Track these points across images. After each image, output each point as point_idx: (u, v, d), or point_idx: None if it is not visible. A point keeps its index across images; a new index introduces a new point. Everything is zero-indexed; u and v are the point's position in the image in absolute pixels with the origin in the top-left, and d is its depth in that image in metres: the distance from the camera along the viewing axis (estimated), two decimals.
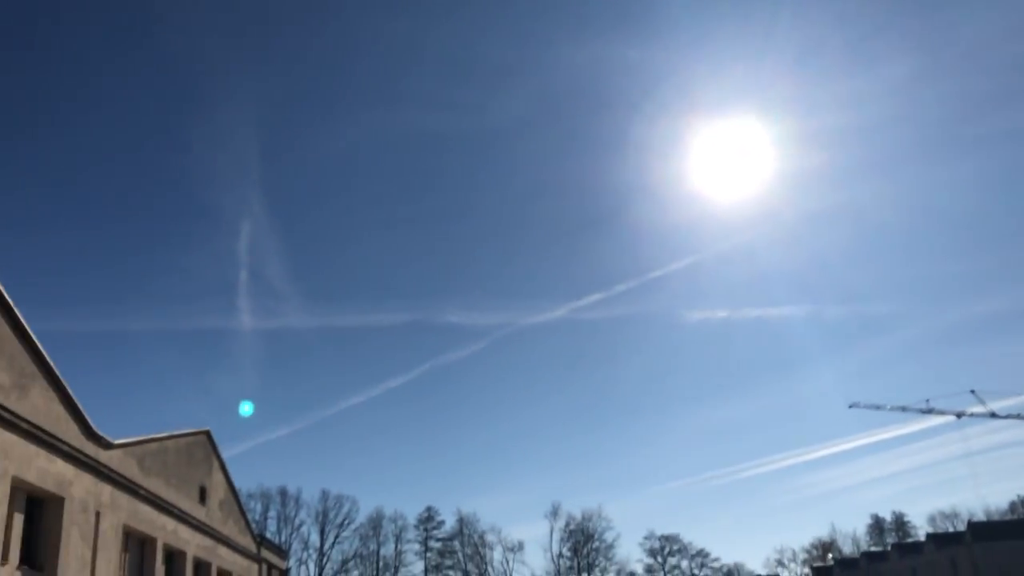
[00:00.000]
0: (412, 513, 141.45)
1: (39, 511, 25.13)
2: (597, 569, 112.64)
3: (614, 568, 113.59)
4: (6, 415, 22.07)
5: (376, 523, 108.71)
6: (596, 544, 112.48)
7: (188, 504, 37.66)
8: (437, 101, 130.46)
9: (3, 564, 22.13)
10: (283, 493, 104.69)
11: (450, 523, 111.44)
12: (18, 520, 23.67)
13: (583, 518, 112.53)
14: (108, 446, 28.88)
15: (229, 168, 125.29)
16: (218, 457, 43.21)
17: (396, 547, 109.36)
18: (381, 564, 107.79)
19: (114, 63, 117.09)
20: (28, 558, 24.22)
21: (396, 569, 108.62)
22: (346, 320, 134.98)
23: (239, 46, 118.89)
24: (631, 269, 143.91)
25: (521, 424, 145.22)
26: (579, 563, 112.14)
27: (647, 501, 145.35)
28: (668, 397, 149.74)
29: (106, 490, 28.69)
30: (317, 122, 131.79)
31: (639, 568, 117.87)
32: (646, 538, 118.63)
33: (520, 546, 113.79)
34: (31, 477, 23.56)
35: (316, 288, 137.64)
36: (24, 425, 23.00)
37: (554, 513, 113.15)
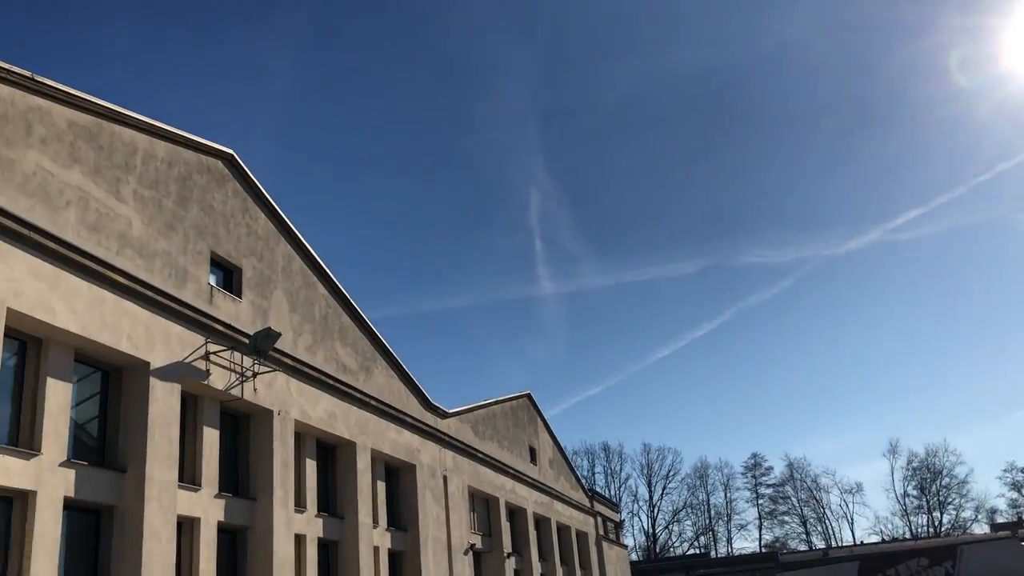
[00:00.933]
0: (737, 461, 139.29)
1: (395, 478, 28.02)
2: (950, 507, 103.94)
3: (971, 505, 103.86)
4: (358, 395, 24.76)
5: (702, 473, 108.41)
6: (946, 481, 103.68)
7: (521, 464, 40.06)
8: (707, 35, 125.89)
9: (375, 527, 24.95)
10: (606, 449, 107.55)
11: (778, 469, 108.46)
12: (381, 487, 26.55)
13: (927, 454, 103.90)
14: (444, 415, 31.46)
15: (512, 143, 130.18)
16: (541, 418, 45.46)
17: (726, 496, 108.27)
18: (712, 513, 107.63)
19: (402, 65, 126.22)
20: (393, 520, 27.12)
21: (729, 517, 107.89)
22: (641, 274, 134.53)
23: (507, 21, 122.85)
24: (951, 176, 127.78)
25: (842, 362, 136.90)
26: (928, 502, 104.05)
27: (1002, 430, 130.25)
28: (1016, 314, 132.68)
29: (448, 455, 31.30)
30: (588, 80, 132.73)
31: (1001, 504, 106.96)
32: (1006, 471, 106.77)
33: (858, 488, 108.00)
34: (386, 448, 26.29)
35: (608, 246, 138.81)
36: (373, 403, 25.68)
37: (892, 451, 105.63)
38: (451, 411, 32.13)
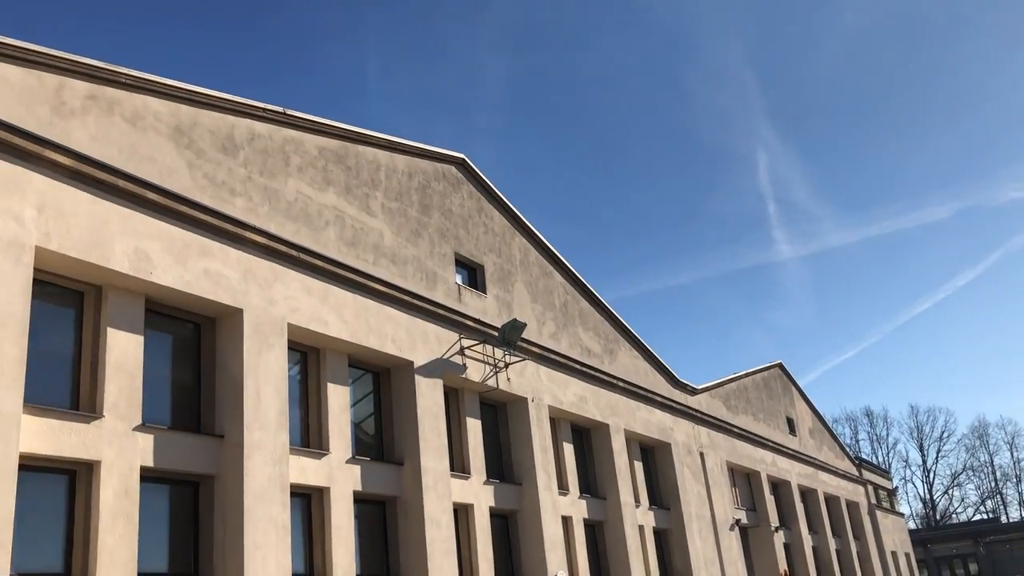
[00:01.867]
0: (1023, 417, 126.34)
1: (651, 458, 28.06)
2: None
3: None
4: (606, 377, 25.04)
5: (981, 432, 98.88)
6: None
7: (779, 436, 38.74)
8: None
9: (637, 506, 25.13)
10: (868, 414, 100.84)
11: None
12: (638, 467, 26.69)
13: None
14: (694, 392, 31.07)
15: (732, 106, 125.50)
16: (796, 387, 43.69)
17: (1012, 455, 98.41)
18: (998, 475, 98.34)
19: (611, 44, 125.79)
20: (654, 499, 27.17)
21: (1019, 479, 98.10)
22: (888, 226, 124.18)
23: None
24: None
25: None
26: None
27: None
28: None
29: (702, 432, 30.88)
30: (806, 28, 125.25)
31: None
32: None
33: None
34: (638, 428, 26.39)
35: (848, 200, 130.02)
36: (620, 384, 25.85)
37: None
38: (700, 387, 31.67)
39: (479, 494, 19.19)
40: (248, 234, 14.38)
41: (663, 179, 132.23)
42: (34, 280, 11.32)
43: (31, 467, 10.96)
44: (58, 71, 12.13)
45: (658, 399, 28.01)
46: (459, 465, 19.12)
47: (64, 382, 12.04)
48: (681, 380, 30.15)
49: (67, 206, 11.76)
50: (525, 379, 21.37)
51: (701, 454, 30.16)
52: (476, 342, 19.68)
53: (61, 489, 11.53)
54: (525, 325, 20.05)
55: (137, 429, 12.24)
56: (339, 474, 15.63)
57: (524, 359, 21.29)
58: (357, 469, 16.11)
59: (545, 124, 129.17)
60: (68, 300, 12.43)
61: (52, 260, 11.64)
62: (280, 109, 15.92)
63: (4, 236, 10.86)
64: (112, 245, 12.19)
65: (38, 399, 11.19)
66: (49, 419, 11.26)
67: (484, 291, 21.11)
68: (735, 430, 33.63)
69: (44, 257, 11.47)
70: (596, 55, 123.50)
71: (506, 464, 21.05)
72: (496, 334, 20.13)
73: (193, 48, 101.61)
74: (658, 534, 26.73)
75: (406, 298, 17.88)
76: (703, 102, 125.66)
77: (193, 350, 14.17)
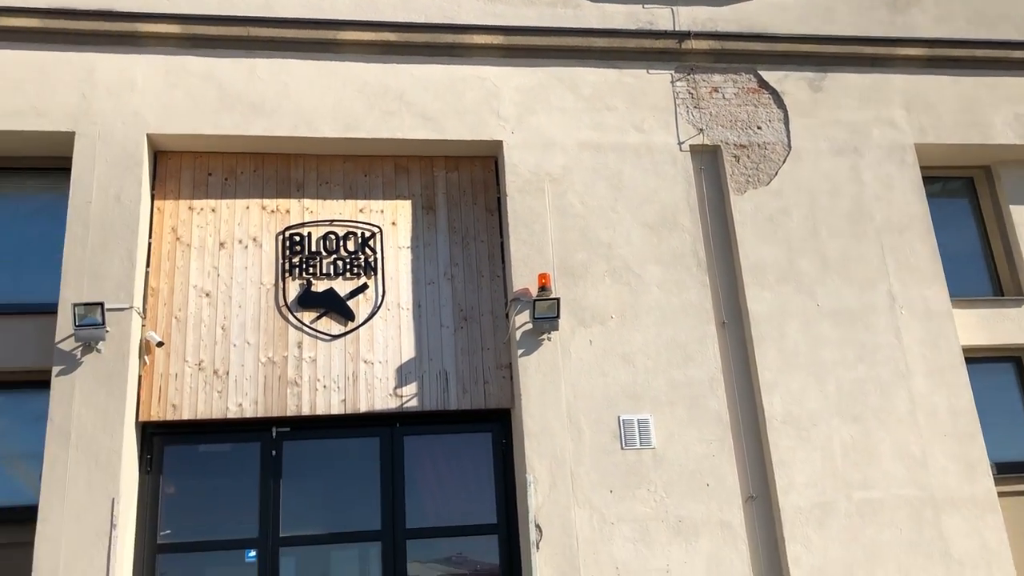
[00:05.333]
0: None
1: None
2: None
3: None
4: None
5: None
6: None
7: None
8: None
9: None
10: None
11: None
12: None
13: None
14: None
15: None
16: None
17: None
18: None
19: None
20: None
21: None
22: None
23: None
24: None
25: None
26: None
27: None
28: None
29: None
30: None
31: None
32: None
33: None
34: None
35: None
36: None
37: None
38: None
39: None
40: None
41: None
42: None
43: (972, 359, 10.76)
44: None
45: None
46: None
47: (977, 271, 11.62)
48: None
49: (931, 96, 11.37)
50: None
51: None
52: None
53: (1009, 377, 11.14)
54: None
55: None
56: None
57: None
58: None
59: None
60: (955, 189, 12.03)
61: (931, 153, 11.35)
62: None
63: (884, 143, 11.01)
64: (989, 120, 11.35)
65: (959, 292, 10.98)
66: (977, 309, 10.98)
67: None
68: None
69: (923, 152, 11.25)
70: None
71: None
72: None
73: None
74: None
75: None
76: None
77: None
